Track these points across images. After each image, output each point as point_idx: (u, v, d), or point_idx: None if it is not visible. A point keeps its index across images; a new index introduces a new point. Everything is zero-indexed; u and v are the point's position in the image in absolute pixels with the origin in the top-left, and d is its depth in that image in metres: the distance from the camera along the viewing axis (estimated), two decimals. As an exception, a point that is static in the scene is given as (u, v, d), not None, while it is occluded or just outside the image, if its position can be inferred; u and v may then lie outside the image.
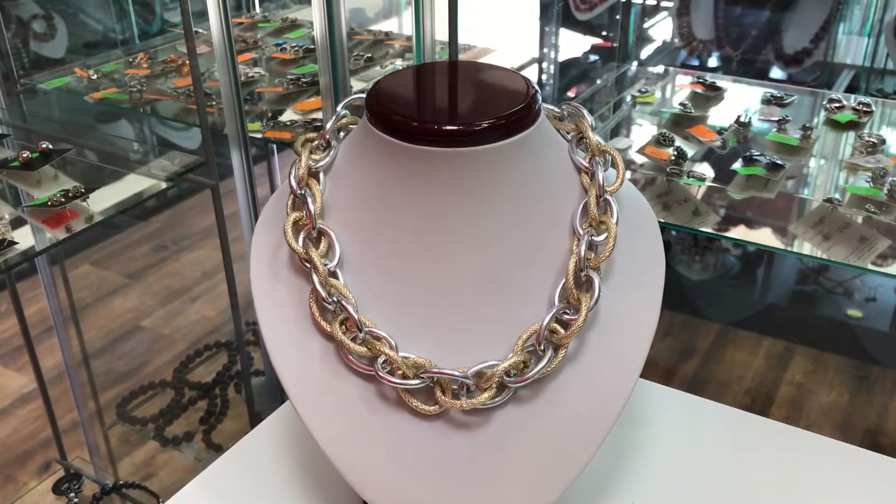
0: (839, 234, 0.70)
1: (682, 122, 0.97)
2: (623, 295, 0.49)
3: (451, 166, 0.47)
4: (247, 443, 0.63)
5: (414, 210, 0.48)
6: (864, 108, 0.98)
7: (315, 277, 0.47)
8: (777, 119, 0.97)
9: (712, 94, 1.05)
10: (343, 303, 0.46)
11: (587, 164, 0.51)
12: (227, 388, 1.67)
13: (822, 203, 0.75)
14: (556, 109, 0.54)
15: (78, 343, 1.55)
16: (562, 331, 0.46)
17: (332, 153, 0.52)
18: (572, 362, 0.47)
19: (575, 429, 0.46)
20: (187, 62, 1.12)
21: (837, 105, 1.00)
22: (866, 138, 0.89)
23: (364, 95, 0.56)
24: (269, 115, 1.01)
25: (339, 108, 0.55)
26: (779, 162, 0.82)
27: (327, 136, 0.53)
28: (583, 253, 0.47)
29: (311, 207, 0.49)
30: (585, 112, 0.53)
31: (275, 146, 1.47)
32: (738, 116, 0.97)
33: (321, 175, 0.51)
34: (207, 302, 2.00)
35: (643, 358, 0.48)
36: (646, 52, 1.89)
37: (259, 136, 0.96)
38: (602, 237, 0.48)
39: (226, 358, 1.78)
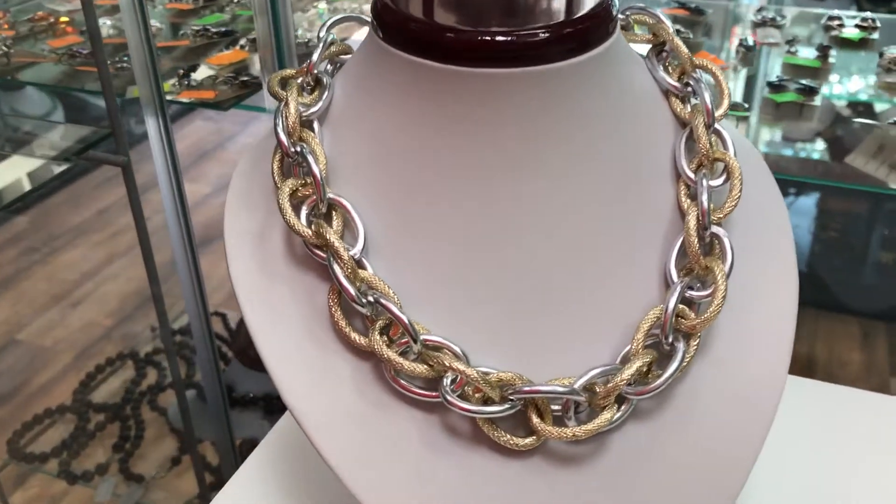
0: (908, 163, 0.62)
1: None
2: (751, 261, 0.38)
3: (511, 95, 0.34)
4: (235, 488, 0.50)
5: (457, 163, 0.35)
6: (871, 24, 0.91)
7: (337, 269, 0.34)
8: (774, 42, 0.88)
9: (698, 19, 0.96)
10: (382, 301, 0.33)
11: (676, 84, 0.39)
12: (141, 407, 1.49)
13: (880, 127, 0.66)
14: (620, 16, 0.42)
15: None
16: (691, 314, 0.35)
17: (326, 95, 0.38)
18: (701, 354, 0.36)
19: (720, 444, 0.35)
20: (61, 19, 0.95)
21: (839, 23, 0.93)
22: (889, 54, 0.82)
23: (355, 15, 0.43)
24: (181, 72, 0.85)
25: (323, 32, 0.41)
26: (812, 85, 0.73)
27: (315, 72, 0.39)
28: (705, 203, 0.35)
29: (315, 169, 0.35)
30: (663, 16, 0.41)
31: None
32: (741, 40, 0.88)
33: (315, 125, 0.38)
34: (91, 306, 1.81)
35: (790, 339, 0.37)
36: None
37: (171, 97, 0.80)
38: (719, 181, 0.37)
39: (133, 371, 1.61)
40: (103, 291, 1.83)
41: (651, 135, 0.38)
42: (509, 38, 0.34)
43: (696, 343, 0.35)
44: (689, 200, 0.37)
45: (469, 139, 0.35)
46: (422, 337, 0.33)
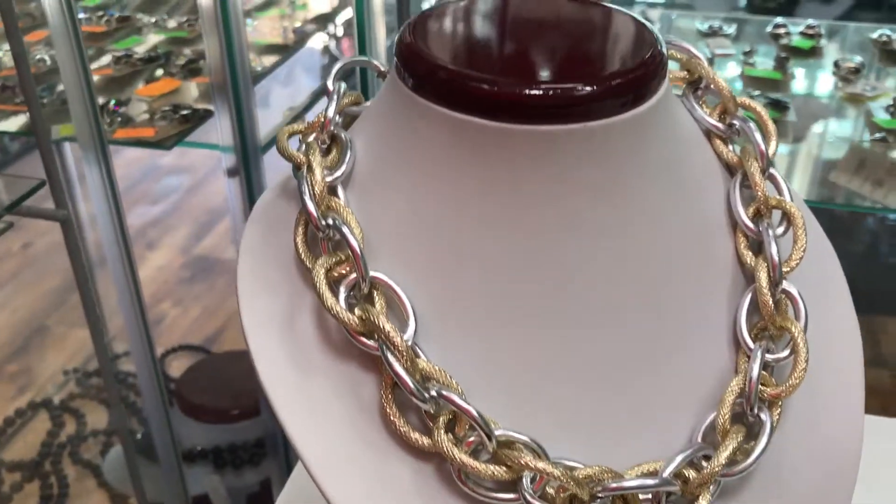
0: (891, 178, 0.62)
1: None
2: (813, 312, 0.36)
3: (564, 155, 0.31)
4: None
5: (508, 231, 0.32)
6: (817, 31, 0.93)
7: (393, 359, 0.30)
8: (727, 53, 0.89)
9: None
10: (446, 394, 0.30)
11: (719, 125, 0.37)
12: (62, 462, 1.40)
13: (854, 144, 0.66)
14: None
15: None
16: (771, 380, 0.33)
17: (348, 156, 0.34)
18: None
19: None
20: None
21: (784, 30, 0.94)
22: (847, 64, 0.83)
23: (365, 59, 0.39)
24: (110, 107, 0.78)
25: (330, 81, 0.37)
26: (782, 99, 0.73)
27: (331, 128, 0.35)
28: (776, 256, 0.34)
29: (354, 244, 0.31)
30: (696, 51, 0.39)
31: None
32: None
33: (339, 191, 0.34)
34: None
35: (861, 391, 0.36)
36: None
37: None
38: (780, 230, 0.35)
39: (48, 422, 1.50)
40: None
41: (701, 182, 0.36)
42: (558, 92, 0.31)
43: (778, 412, 0.33)
44: (749, 252, 0.35)
45: (520, 204, 0.32)
46: (499, 432, 0.30)
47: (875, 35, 0.93)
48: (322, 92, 1.06)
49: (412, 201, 0.33)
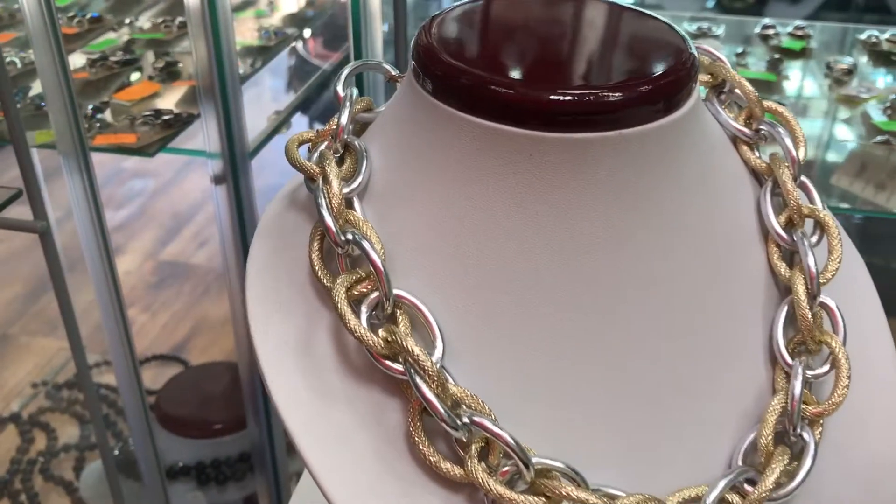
0: (893, 181, 0.62)
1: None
2: (848, 318, 0.35)
3: (598, 164, 0.30)
4: None
5: (540, 245, 0.31)
6: (806, 33, 0.93)
7: (422, 384, 0.28)
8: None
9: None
10: (479, 421, 0.28)
11: (746, 130, 0.36)
12: (32, 479, 1.36)
13: (856, 147, 0.66)
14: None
15: None
16: (812, 397, 0.31)
17: (365, 166, 0.33)
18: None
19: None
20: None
21: (773, 31, 0.93)
22: (839, 66, 0.83)
23: (376, 62, 0.37)
24: (87, 112, 0.75)
25: (339, 87, 0.35)
26: (779, 101, 0.72)
27: (344, 137, 0.34)
28: (812, 267, 0.32)
29: (377, 260, 0.30)
30: (719, 54, 0.38)
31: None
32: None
33: (356, 204, 0.32)
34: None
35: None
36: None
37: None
38: (813, 239, 0.34)
39: (17, 437, 1.46)
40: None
41: (732, 190, 0.35)
42: (591, 98, 0.29)
43: (819, 430, 0.32)
44: (782, 264, 0.34)
45: (550, 217, 0.30)
46: (536, 460, 0.28)
47: (864, 36, 0.93)
48: (308, 95, 1.04)
49: (434, 214, 0.31)
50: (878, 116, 0.71)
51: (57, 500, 1.30)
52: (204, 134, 0.67)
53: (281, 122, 0.79)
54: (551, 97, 0.29)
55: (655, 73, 0.31)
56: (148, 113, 0.75)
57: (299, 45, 1.39)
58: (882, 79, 0.85)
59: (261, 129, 0.80)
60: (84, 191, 0.58)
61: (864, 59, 0.89)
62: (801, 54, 0.89)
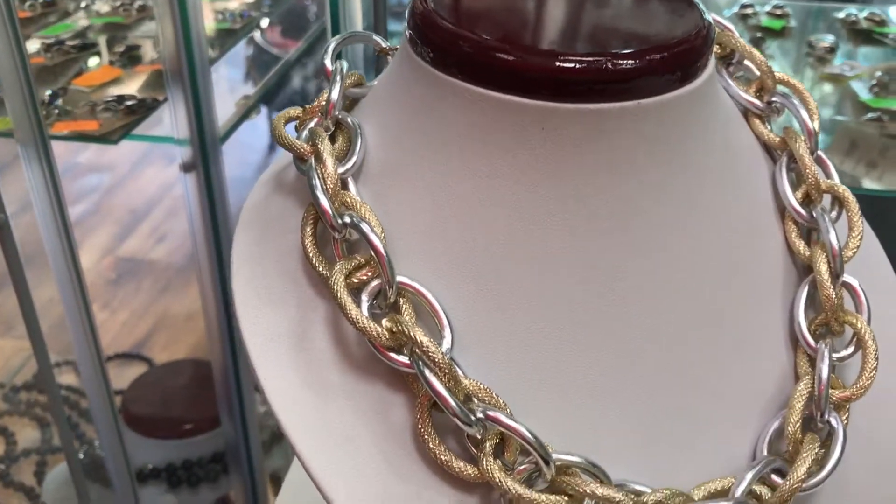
0: (884, 159, 0.61)
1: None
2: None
3: (613, 137, 0.28)
4: None
5: (552, 224, 0.29)
6: (784, 12, 0.92)
7: (433, 378, 0.26)
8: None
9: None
10: (494, 415, 0.26)
11: (758, 102, 0.35)
12: (-9, 483, 1.31)
13: (844, 125, 0.65)
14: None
15: None
16: (838, 381, 0.30)
17: (359, 144, 0.30)
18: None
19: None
20: None
21: (752, 11, 0.93)
22: (821, 44, 0.82)
23: (365, 33, 0.35)
24: (45, 98, 0.72)
25: (328, 60, 0.33)
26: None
27: (335, 113, 0.31)
28: (835, 245, 0.31)
29: (379, 245, 0.28)
30: (728, 24, 0.36)
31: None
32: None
33: (350, 185, 0.30)
34: None
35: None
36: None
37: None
38: (833, 214, 0.33)
39: (-28, 438, 1.41)
40: None
41: (747, 165, 0.33)
42: (607, 65, 0.28)
43: (846, 416, 0.30)
44: (801, 242, 0.32)
45: (564, 195, 0.29)
46: (557, 457, 0.26)
47: (842, 15, 0.92)
48: (268, 86, 1.01)
49: (437, 194, 0.29)
50: (864, 94, 0.71)
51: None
52: (172, 119, 0.64)
53: (251, 108, 0.76)
54: (561, 64, 0.27)
55: (671, 41, 0.29)
56: (110, 99, 0.71)
57: (257, 34, 1.36)
58: (864, 57, 0.85)
59: (227, 117, 0.77)
60: (44, 180, 0.55)
61: (843, 38, 0.88)
62: (781, 33, 0.89)
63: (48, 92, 0.73)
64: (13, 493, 1.31)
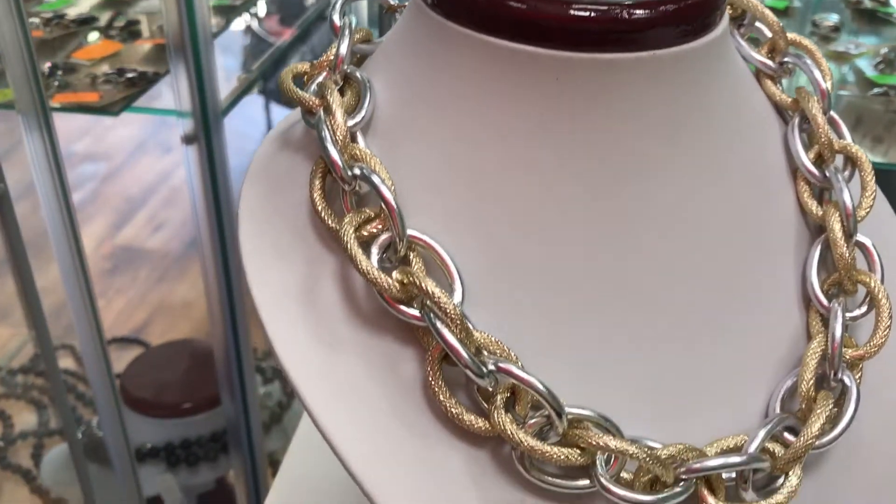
0: (890, 134, 0.61)
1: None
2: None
3: (627, 87, 0.28)
4: None
5: (565, 177, 0.29)
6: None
7: (444, 330, 0.26)
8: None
9: None
10: (506, 368, 0.26)
11: (770, 63, 0.34)
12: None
13: (850, 99, 0.65)
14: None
15: None
16: (851, 340, 0.30)
17: (368, 98, 0.30)
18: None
19: (889, 489, 0.31)
20: None
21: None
22: (825, 23, 0.82)
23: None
24: (45, 70, 0.71)
25: (336, 16, 0.33)
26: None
27: (344, 67, 0.31)
28: (849, 203, 0.31)
29: (390, 197, 0.27)
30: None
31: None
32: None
33: (360, 139, 0.30)
34: None
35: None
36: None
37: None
38: (846, 174, 0.32)
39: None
40: None
41: (759, 125, 0.33)
42: (623, 14, 0.27)
43: (859, 375, 0.30)
44: (813, 202, 0.32)
45: (577, 147, 0.28)
46: (569, 411, 0.26)
47: (846, -6, 0.92)
48: (273, 58, 1.01)
49: (447, 148, 0.29)
50: (870, 72, 0.71)
51: (14, 488, 1.26)
52: (175, 92, 0.64)
53: (253, 81, 0.75)
54: (574, 13, 0.27)
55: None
56: (110, 71, 0.71)
57: (254, 23, 1.35)
58: (869, 36, 0.85)
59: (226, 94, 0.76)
60: (45, 151, 0.55)
61: (847, 17, 0.88)
62: (786, 13, 0.88)
63: (48, 64, 0.72)
64: (10, 475, 1.31)
